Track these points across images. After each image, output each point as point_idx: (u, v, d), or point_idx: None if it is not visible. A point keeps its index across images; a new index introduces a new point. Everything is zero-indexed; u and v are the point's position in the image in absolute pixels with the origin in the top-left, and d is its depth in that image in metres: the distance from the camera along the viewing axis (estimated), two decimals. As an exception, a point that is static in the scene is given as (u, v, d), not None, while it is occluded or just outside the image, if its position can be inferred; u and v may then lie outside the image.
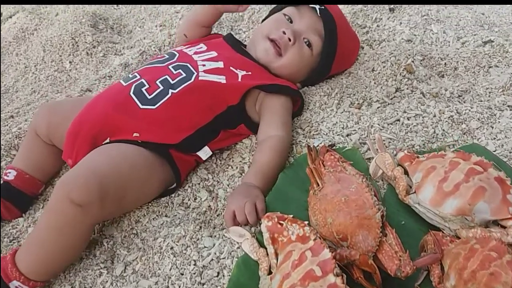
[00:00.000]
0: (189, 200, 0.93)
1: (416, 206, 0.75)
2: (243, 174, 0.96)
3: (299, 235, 0.69)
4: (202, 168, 0.99)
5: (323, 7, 1.10)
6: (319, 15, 1.09)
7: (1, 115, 1.36)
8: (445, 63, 1.25)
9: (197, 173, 0.98)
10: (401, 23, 1.44)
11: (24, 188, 0.99)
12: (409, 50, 1.25)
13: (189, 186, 0.95)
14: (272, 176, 0.87)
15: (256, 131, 0.99)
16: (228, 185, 0.95)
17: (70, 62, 1.62)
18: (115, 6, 2.02)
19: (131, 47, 1.65)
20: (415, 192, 0.75)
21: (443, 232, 0.70)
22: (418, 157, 0.83)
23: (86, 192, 0.75)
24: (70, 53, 1.64)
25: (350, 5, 1.55)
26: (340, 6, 1.55)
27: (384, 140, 0.94)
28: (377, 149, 0.88)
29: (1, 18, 2.04)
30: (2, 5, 2.08)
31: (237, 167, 0.98)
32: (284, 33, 1.04)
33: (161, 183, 0.91)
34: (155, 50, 1.56)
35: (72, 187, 0.76)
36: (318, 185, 0.79)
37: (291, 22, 1.08)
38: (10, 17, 2.06)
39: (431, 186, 0.73)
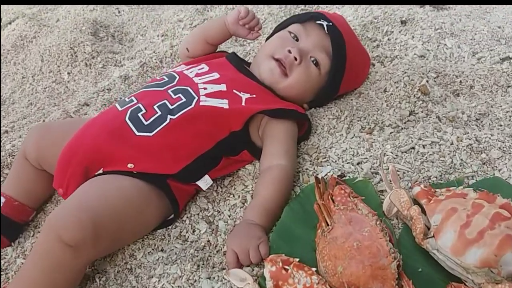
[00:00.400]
0: (187, 232, 0.87)
1: (434, 252, 0.68)
2: (245, 204, 0.89)
3: (306, 286, 0.63)
4: (202, 196, 0.93)
5: (331, 23, 1.04)
6: (326, 32, 1.02)
7: (-4, 130, 1.31)
8: (461, 81, 1.19)
9: (196, 202, 0.92)
10: (413, 36, 1.37)
11: (13, 215, 0.93)
12: (422, 67, 1.18)
13: (187, 217, 0.89)
14: (276, 211, 0.81)
15: (260, 157, 0.93)
16: (229, 216, 0.88)
17: (68, 73, 1.57)
18: (116, 13, 1.96)
19: (132, 58, 1.59)
20: (433, 236, 0.69)
21: (465, 285, 0.64)
22: (435, 191, 0.77)
23: (78, 231, 0.69)
24: (68, 63, 1.58)
25: (360, 18, 1.48)
26: (349, 18, 1.49)
27: (398, 170, 0.87)
28: (390, 181, 0.82)
29: (1, 24, 1.98)
30: (2, 9, 2.02)
31: (239, 196, 0.91)
32: (289, 51, 0.98)
33: (158, 216, 0.85)
34: (156, 62, 1.50)
35: (62, 226, 0.70)
36: (328, 225, 0.72)
37: (297, 40, 1.02)
38: (10, 23, 2.00)
39: (451, 231, 0.66)
